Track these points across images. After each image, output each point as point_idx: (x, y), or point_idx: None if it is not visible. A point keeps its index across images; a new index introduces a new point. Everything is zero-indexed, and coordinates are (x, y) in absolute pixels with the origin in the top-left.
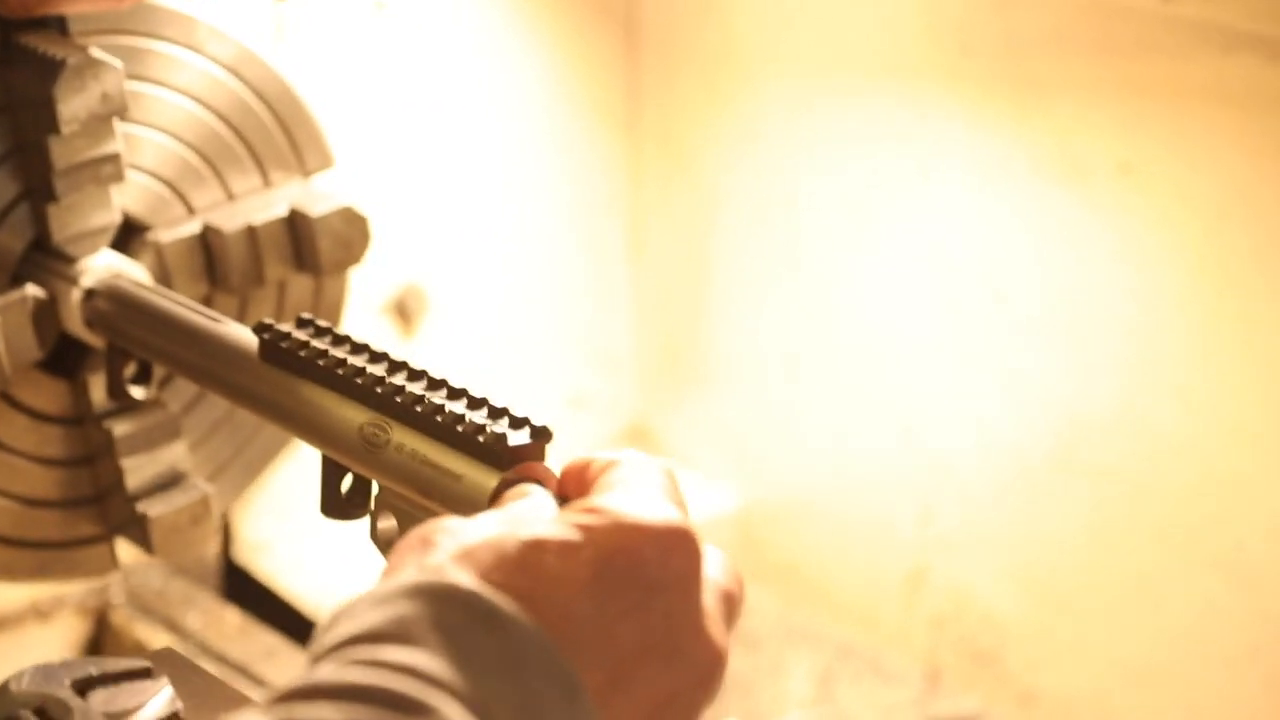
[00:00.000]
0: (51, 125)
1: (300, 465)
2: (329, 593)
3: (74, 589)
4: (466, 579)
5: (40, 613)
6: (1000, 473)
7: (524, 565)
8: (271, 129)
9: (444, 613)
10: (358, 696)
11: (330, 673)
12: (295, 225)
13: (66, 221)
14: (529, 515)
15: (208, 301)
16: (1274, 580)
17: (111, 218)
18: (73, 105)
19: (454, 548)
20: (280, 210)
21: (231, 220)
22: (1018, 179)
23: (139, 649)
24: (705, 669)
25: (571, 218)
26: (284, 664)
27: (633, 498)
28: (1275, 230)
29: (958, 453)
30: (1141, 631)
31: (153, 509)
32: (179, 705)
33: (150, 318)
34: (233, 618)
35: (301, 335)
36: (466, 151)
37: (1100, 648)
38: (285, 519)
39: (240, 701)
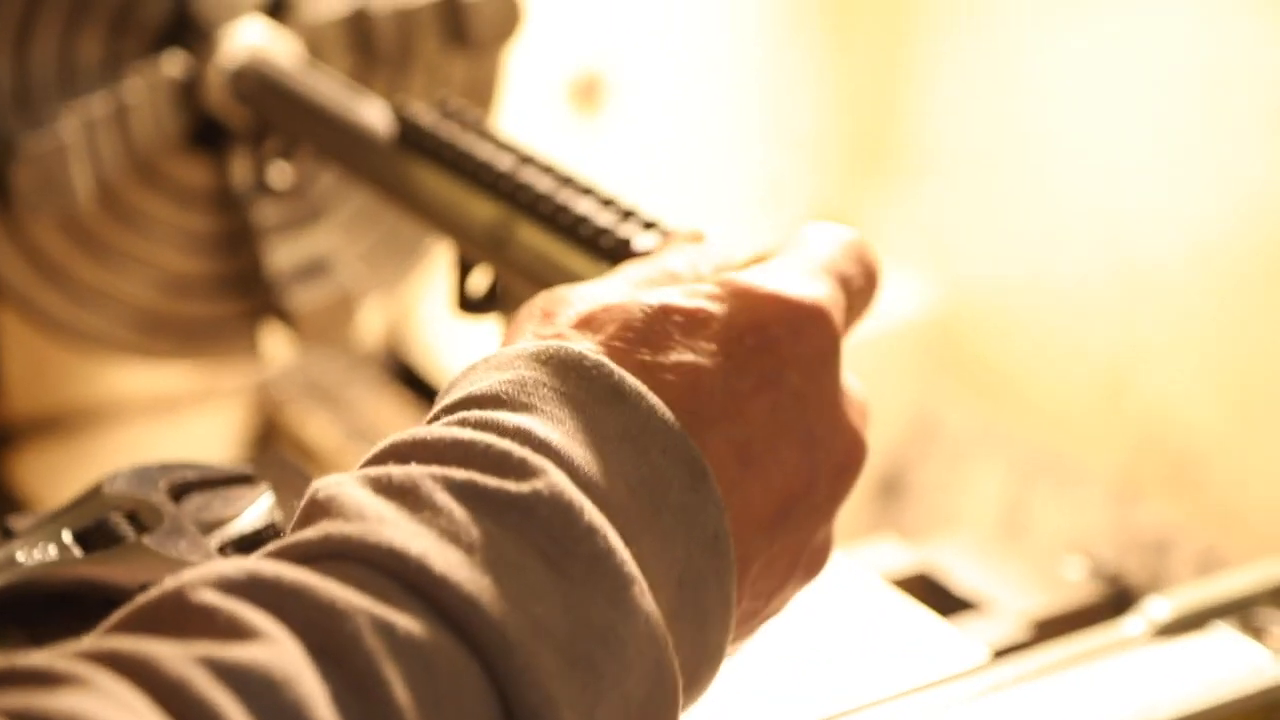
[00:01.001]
0: None
1: None
2: None
3: (241, 378)
4: (590, 348)
5: (203, 399)
6: (1211, 281)
7: (648, 335)
8: None
9: (565, 382)
10: (458, 453)
11: (435, 431)
12: (449, 6)
13: None
14: (657, 278)
15: (357, 74)
16: None
17: None
18: None
19: (575, 314)
20: None
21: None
22: None
23: (300, 443)
24: (843, 456)
25: None
26: None
27: (772, 273)
28: None
29: (1165, 258)
30: None
31: (293, 299)
32: (278, 515)
33: (293, 98)
34: (393, 399)
35: (434, 120)
36: None
37: None
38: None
39: None
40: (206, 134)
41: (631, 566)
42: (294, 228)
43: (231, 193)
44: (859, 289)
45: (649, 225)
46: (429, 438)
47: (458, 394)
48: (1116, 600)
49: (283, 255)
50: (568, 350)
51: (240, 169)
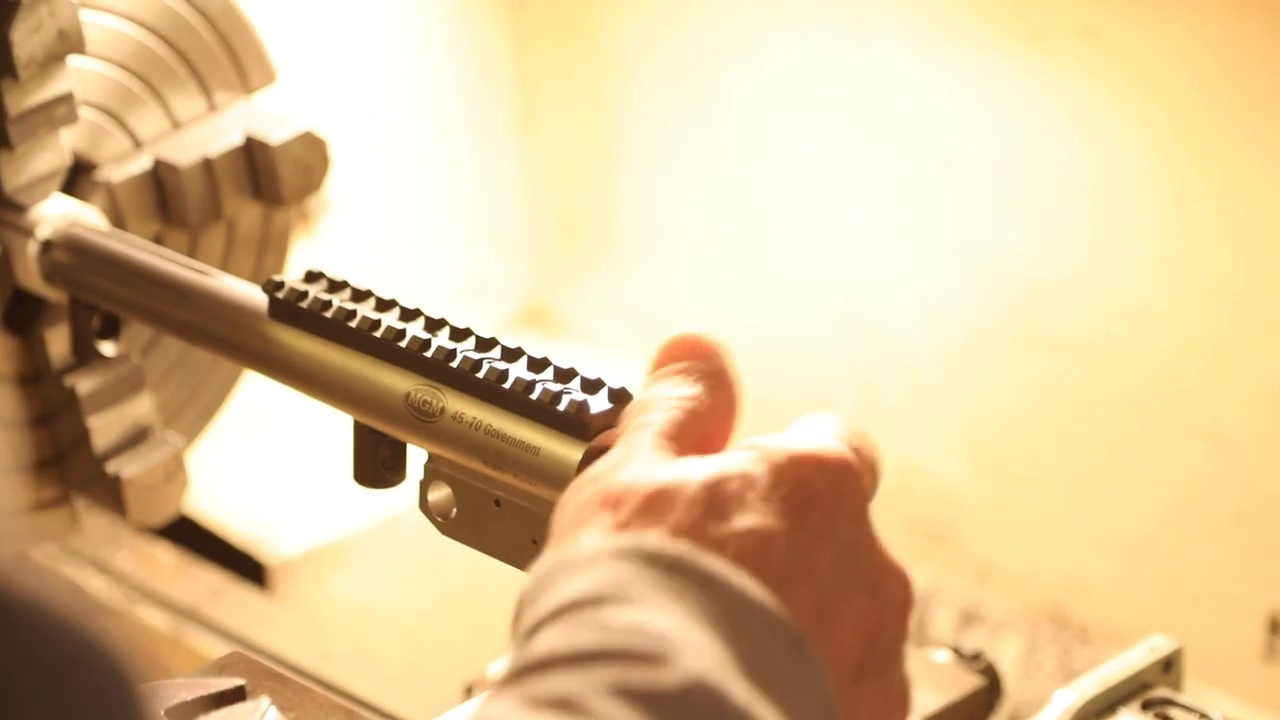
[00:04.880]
0: (8, 69)
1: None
2: (257, 522)
3: None
4: (664, 536)
5: None
6: (950, 345)
7: (711, 511)
8: (212, 45)
9: (656, 574)
10: (595, 658)
11: (555, 641)
12: (252, 154)
13: (17, 169)
14: (674, 443)
15: (159, 239)
16: (1259, 446)
17: (61, 160)
18: (29, 46)
19: (638, 501)
20: (235, 138)
21: (184, 153)
22: (967, 47)
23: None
24: (901, 595)
25: (455, 93)
26: (232, 604)
27: (795, 437)
28: (1260, 89)
29: (903, 326)
30: (1112, 502)
31: (125, 469)
32: None
33: (122, 270)
34: (166, 556)
35: (319, 292)
36: (336, 32)
37: (1066, 520)
38: (210, 451)
39: (326, 704)
40: (12, 310)
41: None
42: (118, 399)
43: (45, 369)
44: (867, 459)
45: (594, 385)
46: (558, 653)
47: (553, 600)
48: (991, 681)
49: (107, 431)
50: (649, 544)
51: (55, 343)
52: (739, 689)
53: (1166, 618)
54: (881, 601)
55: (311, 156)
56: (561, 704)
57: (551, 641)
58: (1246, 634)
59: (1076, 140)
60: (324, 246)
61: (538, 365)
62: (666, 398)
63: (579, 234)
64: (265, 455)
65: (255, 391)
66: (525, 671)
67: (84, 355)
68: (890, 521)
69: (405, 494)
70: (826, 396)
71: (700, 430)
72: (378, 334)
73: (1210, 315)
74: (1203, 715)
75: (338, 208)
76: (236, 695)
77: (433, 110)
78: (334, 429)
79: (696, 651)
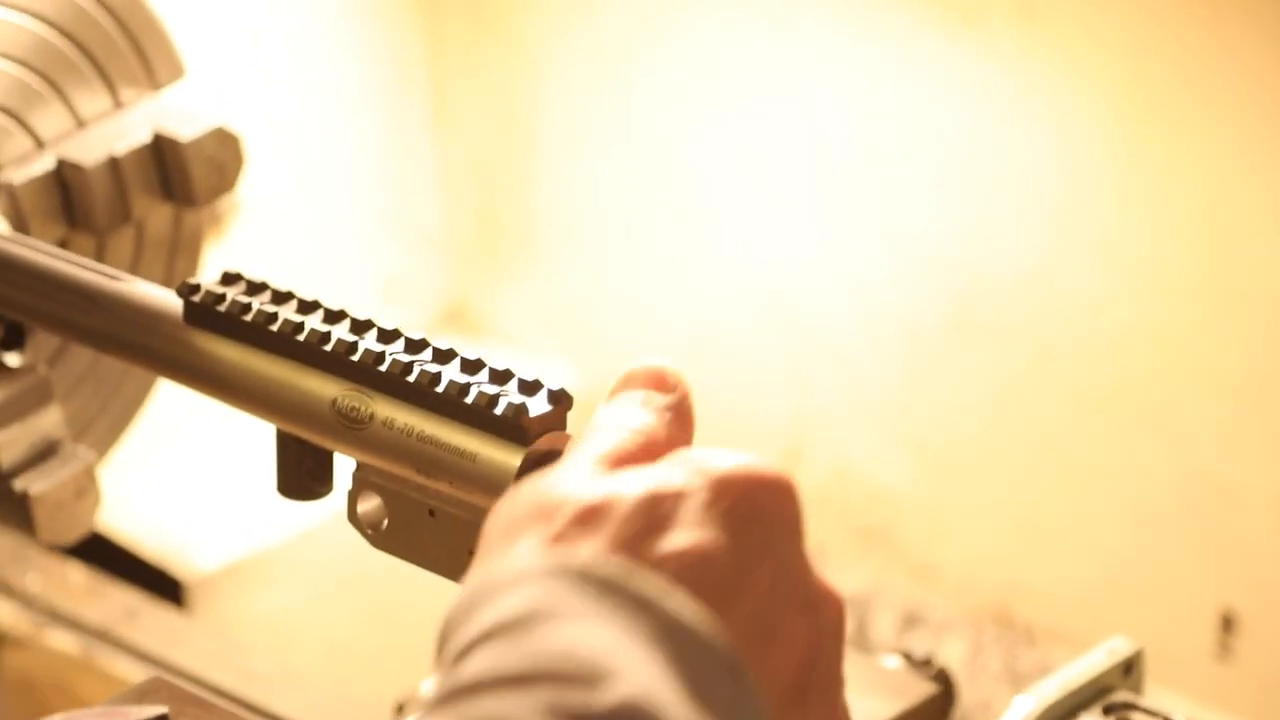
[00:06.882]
0: None
1: None
2: (172, 537)
3: None
4: (599, 553)
5: None
6: (885, 338)
7: (648, 526)
8: (116, 39)
9: (589, 592)
10: (528, 680)
11: (486, 663)
12: (162, 152)
13: None
14: (615, 456)
15: (65, 244)
16: (1207, 437)
17: None
18: None
19: (571, 513)
20: (143, 135)
21: (89, 152)
22: (899, 28)
23: None
24: (836, 616)
25: (367, 87)
26: (148, 624)
27: (727, 452)
28: (1203, 61)
29: (835, 319)
30: (1057, 498)
31: (33, 486)
32: None
33: (28, 276)
34: (77, 575)
35: (237, 294)
36: (242, 25)
37: (1009, 518)
38: (121, 466)
39: None
40: None
41: None
42: (24, 413)
43: None
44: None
45: (532, 387)
46: (490, 676)
47: (483, 621)
48: (945, 687)
49: (13, 446)
50: (582, 561)
51: None
52: (676, 710)
53: (1115, 616)
54: (818, 618)
55: (224, 154)
56: None
57: (482, 664)
58: (1198, 632)
59: (1015, 123)
60: (234, 250)
61: (472, 367)
62: (618, 422)
63: (498, 231)
64: (178, 469)
65: (166, 403)
66: (456, 694)
67: None
68: (826, 522)
69: (326, 506)
70: (758, 394)
71: (648, 461)
72: (301, 337)
73: (1156, 303)
74: (1166, 719)
75: (248, 209)
76: None
77: (344, 106)
78: (249, 439)
79: (632, 671)
